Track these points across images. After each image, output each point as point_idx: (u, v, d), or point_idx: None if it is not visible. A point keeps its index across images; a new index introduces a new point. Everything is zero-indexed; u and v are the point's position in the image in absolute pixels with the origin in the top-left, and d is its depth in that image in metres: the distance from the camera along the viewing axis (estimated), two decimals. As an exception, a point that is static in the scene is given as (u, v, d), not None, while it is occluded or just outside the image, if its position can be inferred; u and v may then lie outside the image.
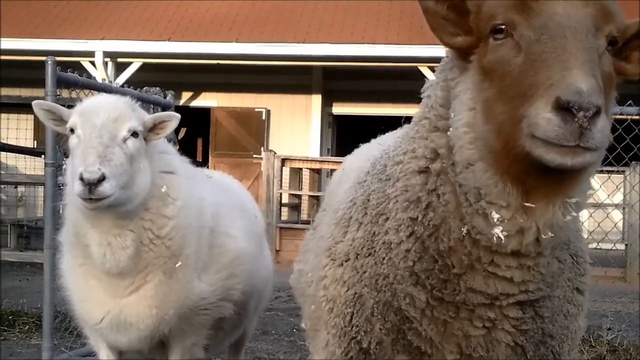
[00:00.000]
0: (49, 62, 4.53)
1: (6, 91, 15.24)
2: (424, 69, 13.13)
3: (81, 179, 2.89)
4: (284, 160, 12.57)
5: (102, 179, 2.90)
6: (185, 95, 15.93)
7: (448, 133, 1.84)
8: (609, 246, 8.05)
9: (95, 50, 14.20)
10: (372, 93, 15.66)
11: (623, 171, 9.68)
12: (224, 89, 15.97)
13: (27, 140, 14.27)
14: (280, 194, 12.67)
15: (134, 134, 3.16)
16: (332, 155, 15.62)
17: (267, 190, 12.33)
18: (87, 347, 4.60)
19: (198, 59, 14.64)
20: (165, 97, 5.85)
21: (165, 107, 5.69)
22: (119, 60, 14.55)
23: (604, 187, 7.47)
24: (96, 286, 3.29)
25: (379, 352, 2.04)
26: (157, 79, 10.69)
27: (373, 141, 2.96)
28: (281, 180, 12.59)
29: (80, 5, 15.33)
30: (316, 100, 15.84)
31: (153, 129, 3.29)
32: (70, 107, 3.34)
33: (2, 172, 12.86)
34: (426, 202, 1.90)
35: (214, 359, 5.05)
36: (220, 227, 3.62)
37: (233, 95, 15.96)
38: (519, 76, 1.63)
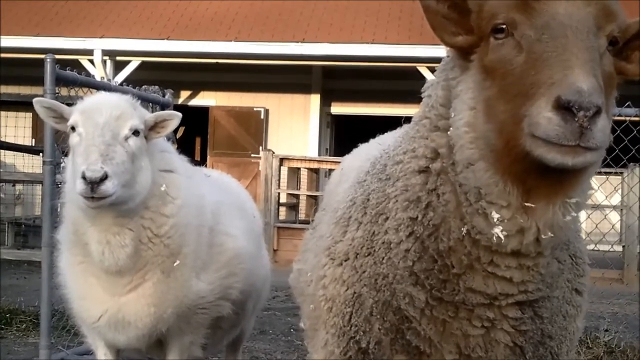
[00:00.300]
0: (48, 60, 4.53)
1: (5, 89, 15.26)
2: (423, 69, 13.13)
3: (83, 177, 2.88)
4: (282, 160, 12.56)
5: (104, 177, 2.89)
6: (184, 94, 15.91)
7: (448, 132, 1.83)
8: (606, 248, 8.03)
9: (94, 49, 14.17)
10: (371, 93, 15.64)
11: (621, 173, 9.67)
12: (223, 88, 15.94)
13: (25, 138, 14.27)
14: (278, 193, 12.66)
15: (136, 133, 3.16)
16: (330, 155, 15.59)
17: (265, 190, 12.33)
18: (85, 346, 4.61)
19: (197, 57, 14.60)
20: (163, 96, 5.84)
21: (164, 106, 5.68)
22: (118, 58, 14.52)
23: (602, 189, 7.46)
24: (95, 284, 3.29)
25: (377, 352, 2.04)
26: (156, 78, 10.69)
27: (372, 141, 2.96)
28: (279, 180, 12.58)
29: (80, 3, 15.30)
30: (315, 99, 15.83)
31: (154, 127, 3.29)
32: (69, 105, 3.34)
33: (0, 170, 12.83)
34: (426, 202, 1.90)
35: (212, 358, 5.04)
36: (219, 226, 3.61)
37: (232, 94, 15.94)
38: (520, 75, 1.63)
